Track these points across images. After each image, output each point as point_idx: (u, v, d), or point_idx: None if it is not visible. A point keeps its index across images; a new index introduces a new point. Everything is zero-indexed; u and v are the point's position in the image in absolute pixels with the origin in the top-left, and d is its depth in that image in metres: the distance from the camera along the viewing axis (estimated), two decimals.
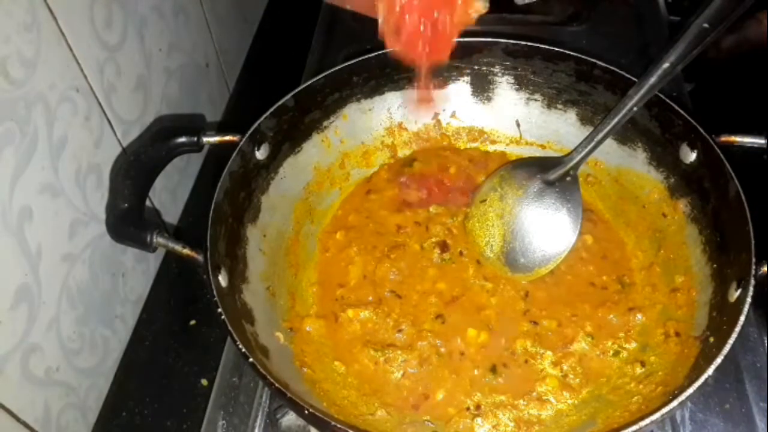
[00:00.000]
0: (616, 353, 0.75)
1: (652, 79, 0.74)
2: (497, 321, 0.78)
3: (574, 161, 0.81)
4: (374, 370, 0.75)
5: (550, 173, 0.83)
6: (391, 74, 0.93)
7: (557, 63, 0.90)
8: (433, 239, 0.86)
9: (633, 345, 0.75)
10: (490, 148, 0.98)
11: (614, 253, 0.85)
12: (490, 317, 0.78)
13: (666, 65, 0.72)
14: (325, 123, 0.92)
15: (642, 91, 0.75)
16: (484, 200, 0.85)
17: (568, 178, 0.82)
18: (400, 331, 0.77)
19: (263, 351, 0.70)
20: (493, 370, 0.74)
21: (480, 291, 0.81)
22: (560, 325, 0.77)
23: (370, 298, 0.81)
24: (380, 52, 0.89)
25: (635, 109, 0.76)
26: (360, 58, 0.90)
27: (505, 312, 0.79)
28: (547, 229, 0.81)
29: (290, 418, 0.77)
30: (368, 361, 0.75)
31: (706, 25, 0.70)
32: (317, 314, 0.80)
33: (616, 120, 0.77)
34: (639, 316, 0.77)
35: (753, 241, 0.67)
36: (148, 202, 0.83)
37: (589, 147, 0.80)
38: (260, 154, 0.83)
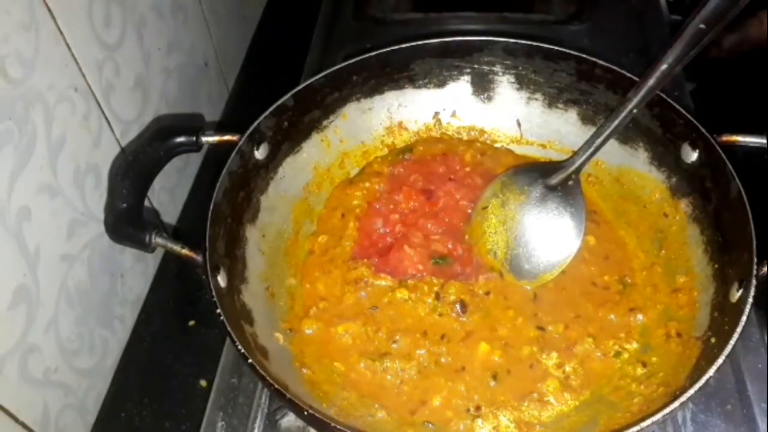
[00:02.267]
0: (618, 354, 0.74)
1: (651, 82, 0.73)
2: (510, 332, 0.76)
3: (576, 165, 0.81)
4: (371, 378, 0.74)
5: (551, 178, 0.82)
6: (391, 73, 0.93)
7: (558, 62, 0.89)
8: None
9: (634, 345, 0.75)
10: None
11: (616, 253, 0.84)
12: (503, 335, 0.76)
13: (664, 67, 0.72)
14: (325, 122, 0.92)
15: (641, 94, 0.74)
16: (486, 207, 0.84)
17: (570, 182, 0.81)
18: (395, 341, 0.76)
19: (262, 352, 0.69)
20: (495, 375, 0.73)
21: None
22: (566, 328, 0.76)
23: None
24: (380, 51, 0.89)
25: (635, 111, 0.76)
26: (360, 58, 0.89)
27: (516, 320, 0.77)
28: (551, 234, 0.80)
29: (290, 420, 0.77)
30: (365, 369, 0.74)
31: (702, 26, 0.69)
32: (316, 316, 0.80)
33: (615, 123, 0.77)
34: (640, 316, 0.77)
35: (755, 241, 0.67)
36: (146, 202, 0.82)
37: (590, 150, 0.80)
38: (259, 153, 0.83)
